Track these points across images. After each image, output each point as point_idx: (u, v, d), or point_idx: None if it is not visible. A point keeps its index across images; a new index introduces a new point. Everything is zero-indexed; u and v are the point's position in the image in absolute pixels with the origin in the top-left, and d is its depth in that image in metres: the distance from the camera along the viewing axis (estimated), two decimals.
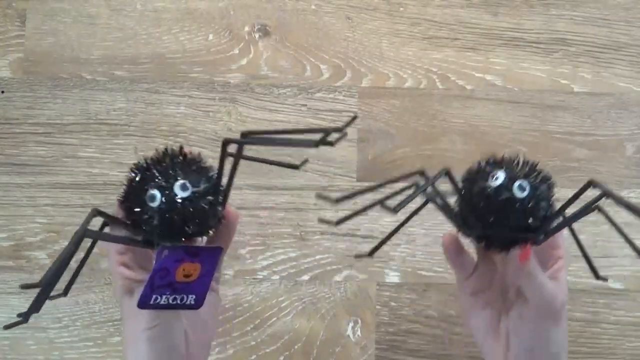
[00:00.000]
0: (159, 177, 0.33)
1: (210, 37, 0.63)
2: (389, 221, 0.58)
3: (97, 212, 0.34)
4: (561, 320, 0.37)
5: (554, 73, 0.62)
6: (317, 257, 0.58)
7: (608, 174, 0.60)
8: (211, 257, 0.34)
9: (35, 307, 0.30)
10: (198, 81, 0.62)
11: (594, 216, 0.59)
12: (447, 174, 0.35)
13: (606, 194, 0.32)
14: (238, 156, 0.34)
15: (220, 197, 0.35)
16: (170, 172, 0.33)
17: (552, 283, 0.36)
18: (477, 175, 0.35)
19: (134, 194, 0.34)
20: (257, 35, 0.63)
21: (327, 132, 0.28)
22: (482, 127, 0.61)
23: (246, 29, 0.64)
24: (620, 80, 0.62)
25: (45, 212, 0.59)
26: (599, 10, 0.64)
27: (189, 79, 0.62)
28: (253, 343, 0.56)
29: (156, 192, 0.32)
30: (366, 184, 0.33)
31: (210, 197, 0.34)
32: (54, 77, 0.62)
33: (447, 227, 0.40)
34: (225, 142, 0.32)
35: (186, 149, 0.35)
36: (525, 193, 0.33)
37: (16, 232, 0.59)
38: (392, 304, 0.57)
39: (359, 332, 0.57)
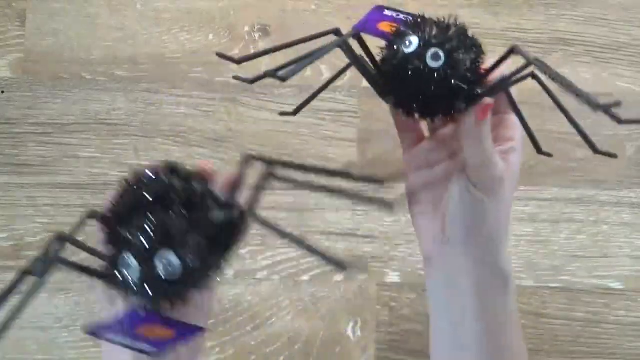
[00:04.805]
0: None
1: (210, 37, 0.63)
2: (389, 221, 0.58)
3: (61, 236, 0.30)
4: (497, 194, 0.34)
5: None
6: None
7: (608, 174, 0.60)
8: (188, 334, 0.29)
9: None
10: (198, 81, 0.62)
11: (594, 216, 0.60)
12: (358, 37, 0.32)
13: (530, 61, 0.30)
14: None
15: None
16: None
17: (498, 157, 0.34)
18: (396, 38, 0.31)
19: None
20: (257, 35, 0.63)
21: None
22: None
23: (246, 29, 0.64)
24: (620, 80, 0.62)
25: (45, 212, 0.59)
26: (599, 10, 0.64)
27: (189, 79, 0.62)
28: (253, 343, 0.56)
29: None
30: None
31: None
32: (54, 77, 0.62)
33: None
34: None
35: None
36: (440, 62, 0.29)
37: (16, 232, 0.59)
38: (392, 304, 0.57)
39: (359, 332, 0.57)
